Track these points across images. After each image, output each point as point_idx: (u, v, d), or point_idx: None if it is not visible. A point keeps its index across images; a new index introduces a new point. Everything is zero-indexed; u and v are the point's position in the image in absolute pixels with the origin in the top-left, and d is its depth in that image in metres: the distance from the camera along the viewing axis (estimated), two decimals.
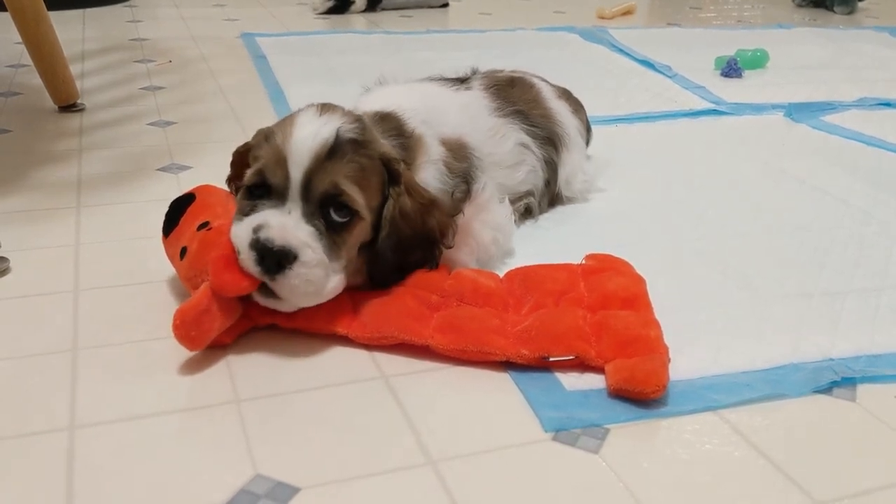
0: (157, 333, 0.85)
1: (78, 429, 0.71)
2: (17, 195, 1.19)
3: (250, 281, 0.81)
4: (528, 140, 1.13)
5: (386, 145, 0.90)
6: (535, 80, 1.25)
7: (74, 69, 1.66)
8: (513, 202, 1.11)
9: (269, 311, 0.85)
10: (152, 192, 1.21)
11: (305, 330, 0.85)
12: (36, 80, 1.58)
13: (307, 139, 0.82)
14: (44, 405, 0.74)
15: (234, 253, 0.82)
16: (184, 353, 0.82)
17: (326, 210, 0.83)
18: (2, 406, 0.74)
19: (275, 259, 0.79)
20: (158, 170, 1.30)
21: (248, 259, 0.80)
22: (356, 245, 0.87)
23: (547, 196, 1.17)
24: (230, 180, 0.97)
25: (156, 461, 0.68)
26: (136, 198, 1.19)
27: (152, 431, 0.71)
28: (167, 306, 0.90)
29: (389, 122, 0.96)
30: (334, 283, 0.84)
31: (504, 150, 1.09)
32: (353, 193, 0.83)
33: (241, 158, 0.92)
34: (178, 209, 0.92)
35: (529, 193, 1.14)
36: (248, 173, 0.85)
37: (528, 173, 1.13)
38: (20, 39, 1.55)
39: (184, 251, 0.87)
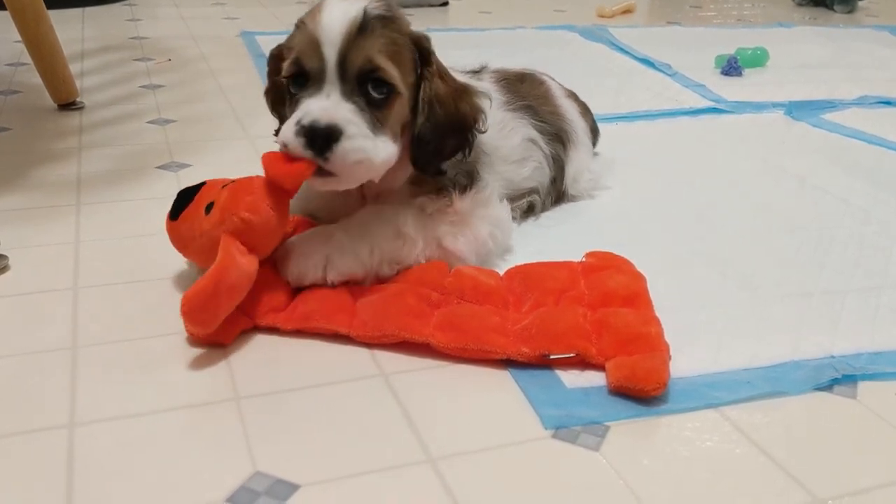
0: (156, 331, 0.85)
1: (78, 426, 0.71)
2: (16, 193, 1.19)
3: (306, 163, 0.83)
4: (536, 136, 1.12)
5: (408, 28, 0.90)
6: (545, 78, 1.25)
7: (74, 68, 1.66)
8: (517, 199, 1.11)
9: (269, 310, 0.85)
10: (152, 190, 1.21)
11: (306, 330, 0.85)
12: (35, 78, 1.58)
13: (337, 19, 0.84)
14: (43, 403, 0.74)
15: (279, 158, 0.84)
16: (184, 351, 0.82)
17: (364, 87, 0.85)
18: (1, 404, 0.74)
19: (322, 137, 0.82)
20: (158, 168, 1.30)
21: (298, 147, 0.83)
22: (398, 122, 0.88)
23: (552, 194, 1.17)
24: (267, 92, 0.97)
25: (156, 458, 0.68)
26: (136, 196, 1.19)
27: (152, 429, 0.71)
28: (167, 304, 0.90)
29: None
30: (385, 153, 0.86)
31: (511, 145, 1.09)
32: (388, 68, 0.85)
33: (276, 61, 0.93)
34: (190, 194, 0.91)
35: (534, 191, 1.14)
36: (285, 65, 0.87)
37: (534, 170, 1.12)
38: (20, 38, 1.55)
39: (210, 206, 0.86)
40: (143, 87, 1.74)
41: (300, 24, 0.88)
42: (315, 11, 0.86)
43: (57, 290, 0.93)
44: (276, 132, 0.93)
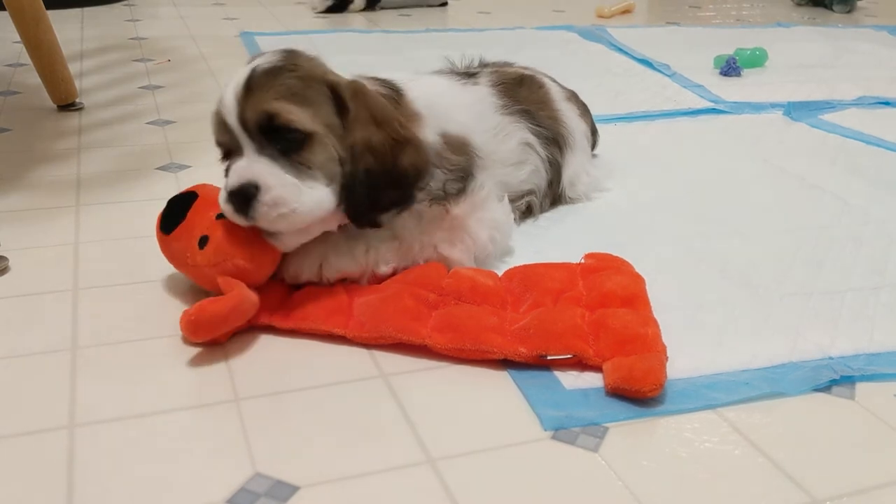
0: (156, 332, 0.85)
1: (77, 427, 0.71)
2: (16, 194, 1.19)
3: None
4: (532, 140, 1.12)
5: (330, 72, 0.89)
6: (545, 80, 1.25)
7: (73, 68, 1.66)
8: (514, 200, 1.11)
9: (265, 309, 0.85)
10: (151, 191, 1.21)
11: (303, 330, 0.85)
12: (35, 79, 1.58)
13: (228, 87, 0.85)
14: (43, 404, 0.74)
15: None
16: (184, 352, 0.82)
17: (274, 137, 0.84)
18: (2, 404, 0.74)
19: (242, 196, 0.82)
20: (157, 169, 1.30)
21: (230, 213, 0.84)
22: (327, 163, 0.85)
23: (549, 196, 1.17)
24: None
25: (155, 460, 0.68)
26: (136, 197, 1.19)
27: (152, 430, 0.71)
28: (166, 305, 0.90)
29: (389, 85, 0.95)
30: (312, 199, 0.84)
31: (507, 149, 1.09)
32: (285, 111, 0.83)
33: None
34: (182, 205, 0.91)
35: (531, 192, 1.14)
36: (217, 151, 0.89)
37: (530, 173, 1.12)
38: (19, 38, 1.55)
39: (204, 240, 0.87)
40: (143, 87, 1.74)
41: (213, 113, 0.88)
42: (221, 94, 0.87)
43: (56, 290, 0.93)
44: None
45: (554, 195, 1.18)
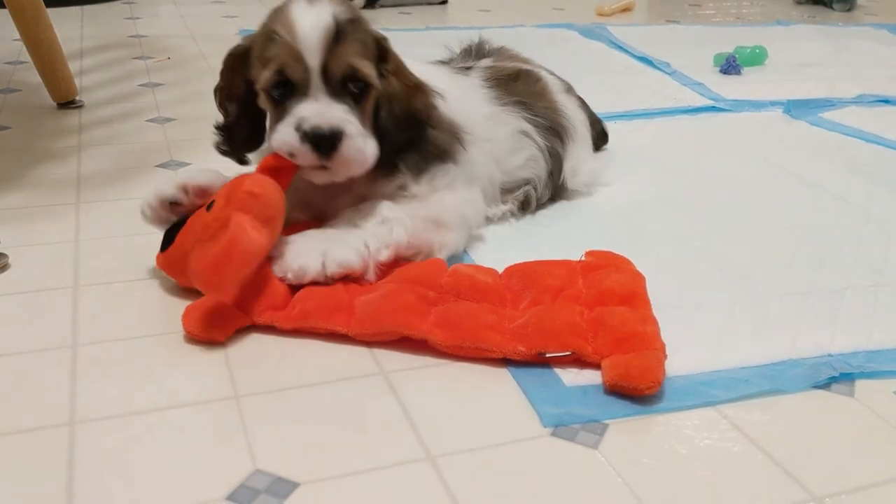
0: (156, 329, 0.85)
1: (78, 424, 0.71)
2: (16, 192, 1.19)
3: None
4: (528, 128, 1.13)
5: (368, 24, 0.95)
6: (542, 73, 1.25)
7: (73, 66, 1.66)
8: (513, 190, 1.11)
9: (267, 308, 0.85)
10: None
11: (304, 329, 0.85)
12: (35, 77, 1.58)
13: (314, 28, 0.87)
14: (44, 401, 0.74)
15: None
16: (184, 349, 0.82)
17: (346, 88, 0.90)
18: (2, 402, 0.74)
19: (328, 140, 0.87)
20: (157, 166, 1.30)
21: (304, 152, 0.88)
22: (372, 111, 0.93)
23: (550, 187, 1.17)
24: (220, 89, 0.98)
25: (155, 456, 0.68)
26: (136, 194, 1.19)
27: (152, 427, 0.71)
28: (166, 302, 0.90)
29: None
30: (372, 149, 0.92)
31: (500, 135, 1.10)
32: (365, 68, 0.90)
33: (237, 63, 0.95)
34: (176, 227, 0.91)
35: (529, 182, 1.14)
36: (265, 76, 0.90)
37: (528, 159, 1.13)
38: (19, 36, 1.55)
39: (211, 204, 0.87)
40: (143, 85, 1.74)
41: (272, 35, 0.89)
42: (285, 20, 0.89)
43: (57, 288, 0.93)
44: (220, 127, 0.99)
45: (555, 186, 1.18)
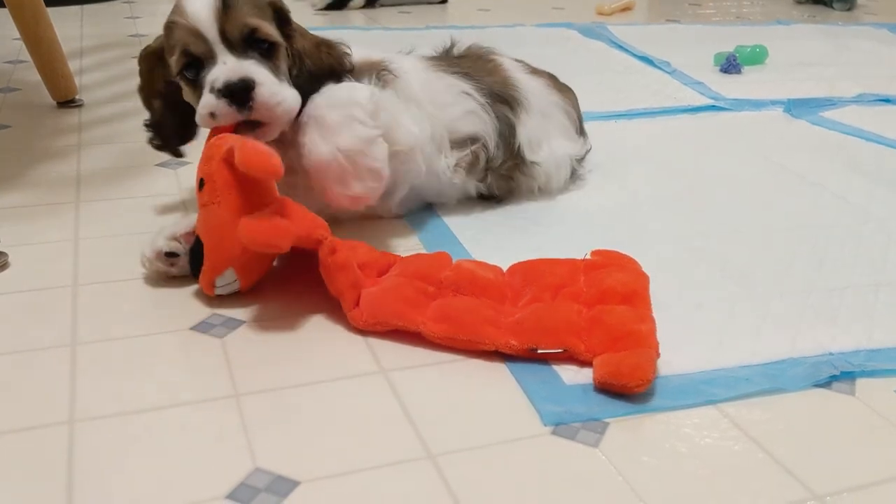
0: (156, 328, 0.85)
1: (77, 423, 0.71)
2: (16, 191, 1.19)
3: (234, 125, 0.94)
4: (468, 88, 1.13)
5: None
6: (501, 58, 1.24)
7: (73, 65, 1.66)
8: (460, 146, 1.12)
9: (317, 226, 0.87)
10: (151, 187, 1.21)
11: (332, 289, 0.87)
12: (34, 76, 1.58)
13: (203, 4, 0.93)
14: (43, 399, 0.74)
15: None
16: (183, 348, 0.82)
17: (250, 48, 0.94)
18: (1, 400, 0.74)
19: (241, 89, 0.91)
20: (157, 165, 1.30)
21: (223, 107, 0.92)
22: (285, 67, 0.98)
23: (503, 149, 1.15)
24: (141, 89, 1.06)
25: (155, 455, 0.68)
26: (136, 193, 1.19)
27: (152, 425, 0.71)
28: (166, 301, 0.90)
29: None
30: (293, 95, 0.95)
31: (434, 89, 1.11)
32: (264, 27, 0.95)
33: (152, 61, 1.02)
34: (196, 251, 0.92)
35: (477, 140, 1.13)
36: (174, 60, 0.95)
37: (467, 113, 1.12)
38: (18, 35, 1.55)
39: (201, 182, 0.90)
40: None
41: (171, 25, 0.96)
42: (178, 8, 0.95)
43: (56, 287, 0.93)
44: (149, 124, 1.07)
45: (511, 151, 1.16)
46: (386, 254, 0.95)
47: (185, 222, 0.94)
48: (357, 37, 2.23)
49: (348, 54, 1.05)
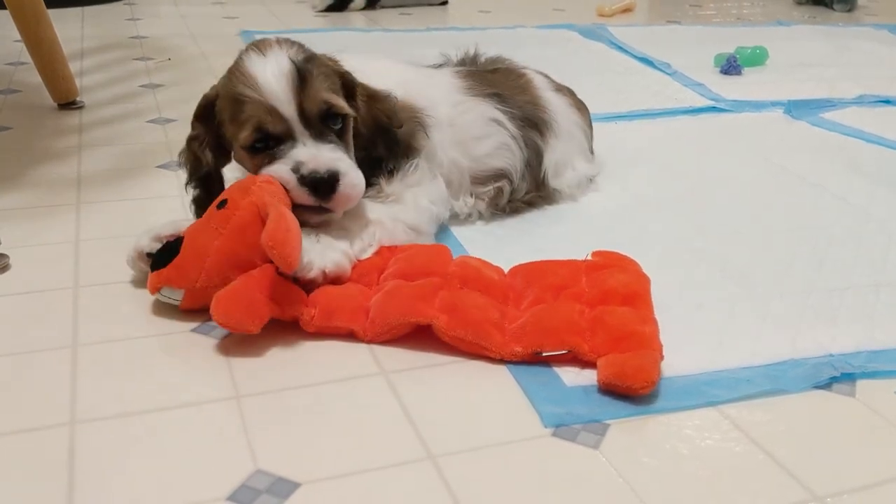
0: (156, 329, 0.85)
1: (78, 424, 0.71)
2: (17, 192, 1.19)
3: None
4: (500, 117, 1.12)
5: (326, 58, 0.98)
6: (528, 72, 1.23)
7: (74, 67, 1.66)
8: (484, 181, 1.11)
9: (296, 302, 0.85)
10: (152, 189, 1.21)
11: (327, 330, 0.85)
12: (35, 77, 1.58)
13: (279, 79, 0.88)
14: (44, 401, 0.74)
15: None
16: (184, 349, 0.82)
17: (326, 125, 0.91)
18: (3, 402, 0.74)
19: (327, 184, 0.89)
20: (158, 167, 1.30)
21: (301, 194, 0.89)
22: (351, 140, 0.96)
23: (528, 180, 1.14)
24: (196, 138, 0.96)
25: (156, 456, 0.68)
26: (136, 195, 1.19)
27: (152, 427, 0.71)
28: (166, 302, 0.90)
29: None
30: (361, 177, 0.93)
31: (467, 120, 1.09)
32: (337, 101, 0.92)
33: (207, 112, 0.95)
34: (163, 253, 0.89)
35: (504, 174, 1.12)
36: (244, 135, 0.90)
37: (497, 147, 1.11)
38: (19, 37, 1.55)
39: (222, 203, 0.88)
40: (143, 86, 1.74)
41: (239, 97, 0.89)
42: (246, 78, 0.89)
43: (57, 288, 0.93)
44: (200, 178, 0.97)
45: (535, 181, 1.15)
46: (380, 251, 0.95)
47: (172, 225, 0.93)
48: (358, 38, 2.24)
49: (396, 109, 1.00)
